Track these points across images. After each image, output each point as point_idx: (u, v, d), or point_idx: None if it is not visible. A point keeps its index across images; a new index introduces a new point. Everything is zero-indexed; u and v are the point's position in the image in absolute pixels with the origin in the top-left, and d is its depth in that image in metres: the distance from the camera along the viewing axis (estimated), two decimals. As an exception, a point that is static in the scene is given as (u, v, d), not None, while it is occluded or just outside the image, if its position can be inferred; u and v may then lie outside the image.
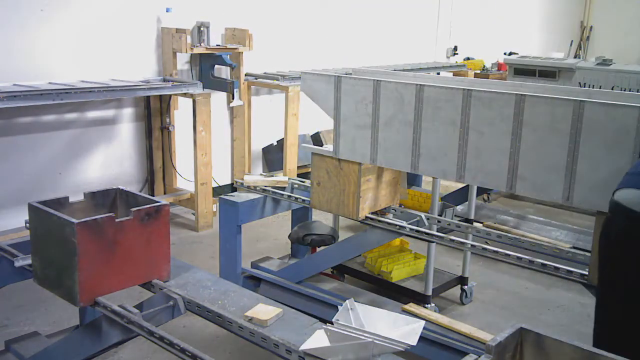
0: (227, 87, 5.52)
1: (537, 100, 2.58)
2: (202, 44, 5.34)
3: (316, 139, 6.57)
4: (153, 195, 5.16)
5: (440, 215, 3.82)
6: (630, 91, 4.97)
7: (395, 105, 3.00)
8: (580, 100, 2.46)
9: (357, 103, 3.10)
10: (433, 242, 3.36)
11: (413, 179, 5.34)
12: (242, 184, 3.69)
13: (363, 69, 3.45)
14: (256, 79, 6.04)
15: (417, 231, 3.16)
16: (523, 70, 6.20)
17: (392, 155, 3.05)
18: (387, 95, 3.02)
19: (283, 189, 3.63)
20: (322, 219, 4.11)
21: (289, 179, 3.72)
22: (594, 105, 2.43)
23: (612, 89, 5.28)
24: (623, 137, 2.36)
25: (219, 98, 5.77)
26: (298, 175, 5.68)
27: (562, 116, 2.50)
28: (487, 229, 3.06)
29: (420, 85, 2.91)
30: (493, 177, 2.75)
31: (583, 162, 2.47)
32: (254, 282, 3.70)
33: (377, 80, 3.05)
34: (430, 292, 3.66)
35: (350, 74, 3.38)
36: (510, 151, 2.66)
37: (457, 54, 8.47)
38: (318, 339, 2.00)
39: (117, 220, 2.30)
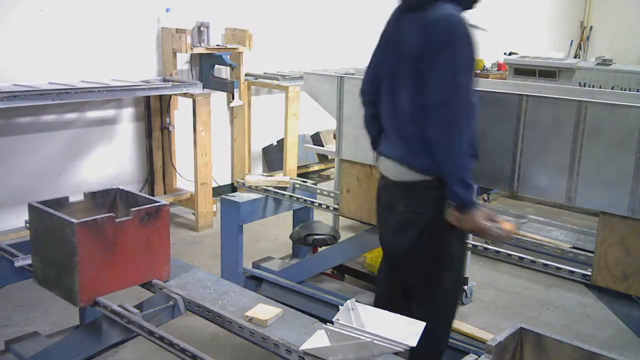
0: (227, 87, 5.51)
1: (540, 100, 2.57)
2: (202, 44, 5.34)
3: (316, 139, 6.56)
4: (153, 195, 5.16)
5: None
6: (630, 91, 4.97)
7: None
8: (584, 101, 2.45)
9: (360, 103, 3.08)
10: (434, 242, 3.35)
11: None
12: (243, 183, 3.68)
13: (365, 69, 3.43)
14: (256, 79, 6.03)
15: (418, 231, 3.14)
16: (523, 70, 6.20)
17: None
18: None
19: (285, 189, 3.63)
20: (323, 219, 4.11)
21: (290, 179, 3.72)
22: (597, 106, 2.42)
23: (612, 89, 5.27)
24: (627, 138, 2.35)
25: (219, 98, 5.76)
26: (298, 175, 5.68)
27: (566, 117, 2.49)
28: (488, 229, 3.04)
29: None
30: (496, 178, 2.74)
31: (586, 163, 2.46)
32: (255, 282, 3.70)
33: (378, 80, 3.04)
34: (430, 293, 3.65)
35: (353, 74, 3.37)
36: (513, 152, 2.65)
37: (457, 54, 8.45)
38: (318, 339, 1.99)
39: (117, 220, 2.30)
